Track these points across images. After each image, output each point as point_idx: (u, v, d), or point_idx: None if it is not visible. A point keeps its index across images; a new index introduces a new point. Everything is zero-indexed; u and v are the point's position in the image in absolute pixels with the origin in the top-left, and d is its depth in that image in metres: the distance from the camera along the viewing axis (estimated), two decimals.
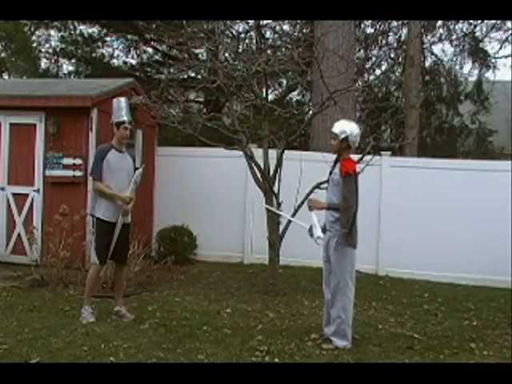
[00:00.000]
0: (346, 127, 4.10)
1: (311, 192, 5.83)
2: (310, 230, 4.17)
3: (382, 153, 7.58)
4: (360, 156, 5.93)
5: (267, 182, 6.04)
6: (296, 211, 5.85)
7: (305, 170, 6.32)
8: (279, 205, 6.00)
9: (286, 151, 6.07)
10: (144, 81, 10.39)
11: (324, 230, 4.20)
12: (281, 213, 5.47)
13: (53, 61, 12.85)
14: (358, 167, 5.07)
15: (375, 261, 7.52)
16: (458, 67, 12.49)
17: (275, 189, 6.04)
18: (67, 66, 12.85)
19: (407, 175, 7.48)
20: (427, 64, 12.47)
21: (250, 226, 7.91)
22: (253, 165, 6.17)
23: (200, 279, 6.72)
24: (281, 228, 6.02)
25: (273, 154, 6.26)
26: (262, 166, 6.16)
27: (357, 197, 4.06)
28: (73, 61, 12.36)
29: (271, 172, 6.10)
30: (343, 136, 4.09)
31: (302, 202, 5.84)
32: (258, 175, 6.18)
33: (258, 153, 6.57)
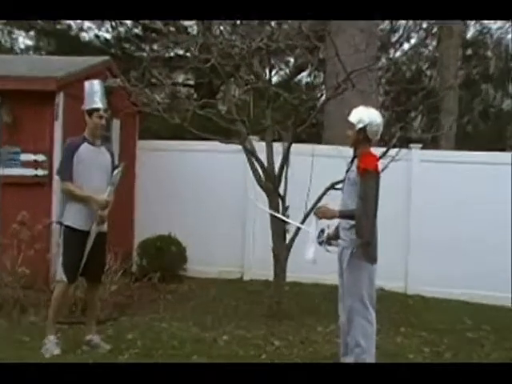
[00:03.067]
0: (365, 115, 4.11)
1: (324, 194, 5.88)
2: (320, 236, 4.21)
3: (412, 145, 7.65)
4: (384, 150, 5.99)
5: (271, 182, 6.10)
6: (306, 217, 5.91)
7: (317, 168, 6.38)
8: (286, 209, 6.06)
9: (293, 144, 6.14)
10: (121, 59, 10.46)
11: (337, 237, 4.25)
12: (287, 220, 5.52)
13: (5, 32, 12.48)
14: (382, 163, 5.12)
15: (403, 276, 7.58)
16: (509, 37, 12.33)
17: (281, 190, 6.11)
18: (24, 40, 12.49)
19: (443, 172, 7.55)
20: (469, 35, 12.44)
21: (252, 235, 7.99)
22: (254, 161, 6.23)
23: (191, 300, 6.79)
24: (288, 237, 6.08)
25: (278, 148, 6.33)
26: (266, 162, 6.22)
27: (376, 200, 4.07)
28: (31, 33, 12.10)
29: (276, 170, 6.17)
30: (360, 126, 4.08)
31: (314, 206, 5.89)
32: (261, 174, 6.24)
33: (260, 147, 6.63)
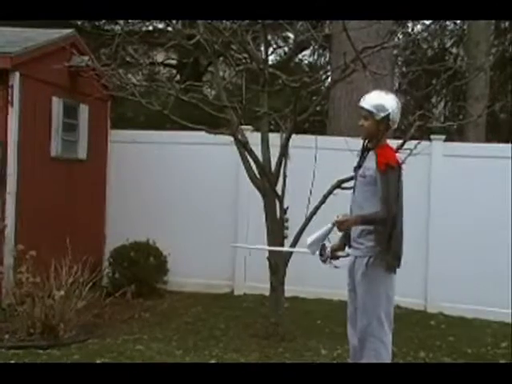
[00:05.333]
0: (385, 101, 4.09)
1: (330, 193, 5.93)
2: (322, 253, 4.22)
3: (433, 136, 7.70)
4: (400, 142, 6.03)
5: (267, 180, 6.14)
6: (308, 221, 5.95)
7: (321, 162, 6.43)
8: (284, 211, 6.11)
9: (293, 136, 6.18)
10: (90, 34, 10.45)
11: (343, 247, 4.28)
12: (254, 247, 5.52)
13: None
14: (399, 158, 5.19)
15: (423, 292, 7.64)
16: None
17: (279, 189, 6.15)
18: None
19: (470, 169, 7.59)
20: None
21: (244, 242, 7.98)
22: (247, 155, 6.27)
23: (172, 318, 6.82)
24: (287, 244, 6.14)
25: (275, 139, 6.37)
26: (261, 156, 6.26)
27: (400, 200, 4.08)
28: None
29: (273, 165, 6.22)
30: (382, 115, 4.06)
31: (317, 208, 5.95)
32: (255, 170, 6.29)
33: (254, 138, 6.68)
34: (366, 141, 4.20)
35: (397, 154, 4.27)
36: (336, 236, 4.25)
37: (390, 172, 3.98)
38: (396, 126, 4.20)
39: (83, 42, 7.72)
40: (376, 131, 4.09)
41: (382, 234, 4.00)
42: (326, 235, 4.12)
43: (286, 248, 5.98)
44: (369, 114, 4.08)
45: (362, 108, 4.13)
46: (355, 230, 4.15)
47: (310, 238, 4.19)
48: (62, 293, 5.66)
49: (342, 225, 4.03)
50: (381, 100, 4.09)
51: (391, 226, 4.00)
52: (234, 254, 8.08)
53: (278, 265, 6.10)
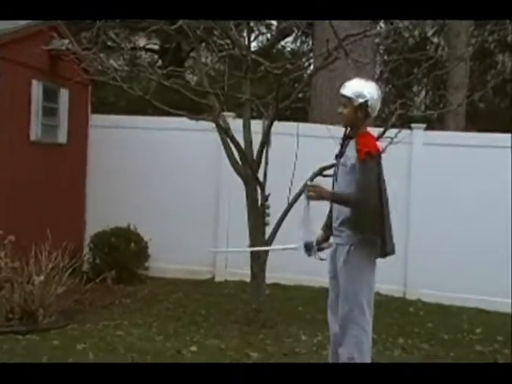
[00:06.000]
0: (364, 88, 4.08)
1: (312, 180, 5.90)
2: (308, 247, 4.21)
3: (414, 125, 7.73)
4: (381, 130, 6.04)
5: (249, 166, 6.13)
6: (290, 207, 5.95)
7: (303, 150, 6.41)
8: (266, 198, 6.10)
9: (276, 123, 6.16)
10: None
11: (329, 236, 4.28)
12: (235, 249, 5.53)
13: None
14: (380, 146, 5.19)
15: (403, 279, 7.69)
16: None
17: (260, 175, 6.14)
18: None
19: (449, 156, 7.62)
20: None
21: (226, 229, 8.04)
22: (229, 141, 6.25)
23: (153, 304, 6.81)
24: (269, 230, 6.14)
25: (257, 126, 6.35)
26: (243, 143, 6.24)
27: (381, 186, 4.06)
28: None
29: (255, 152, 6.20)
30: (361, 101, 4.04)
31: (299, 195, 5.93)
32: (237, 156, 6.26)
33: (236, 125, 6.65)
34: (348, 129, 4.18)
35: (378, 142, 4.26)
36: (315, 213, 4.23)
37: (370, 161, 3.97)
38: (375, 113, 4.18)
39: (63, 25, 7.57)
40: (355, 118, 4.08)
41: (358, 221, 4.00)
42: (307, 216, 4.12)
43: (269, 247, 5.96)
44: (348, 101, 4.07)
45: (342, 95, 4.12)
46: (336, 219, 4.16)
47: (301, 233, 4.21)
48: (42, 278, 5.62)
49: (315, 190, 4.05)
50: (360, 87, 4.08)
51: (373, 215, 4.00)
52: (216, 241, 8.05)
53: (258, 252, 6.09)
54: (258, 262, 6.12)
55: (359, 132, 4.09)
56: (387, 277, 7.02)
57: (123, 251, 7.68)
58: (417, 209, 7.66)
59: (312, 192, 4.06)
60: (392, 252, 4.15)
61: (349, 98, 4.06)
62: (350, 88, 4.09)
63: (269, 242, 6.09)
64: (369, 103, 4.04)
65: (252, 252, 6.10)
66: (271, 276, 6.52)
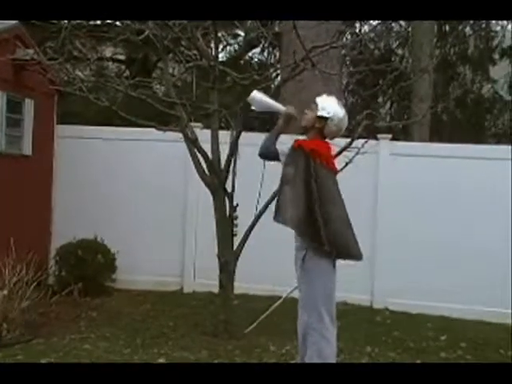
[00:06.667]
0: (333, 108, 4.37)
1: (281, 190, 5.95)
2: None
3: (380, 136, 7.80)
4: (348, 140, 6.08)
5: (217, 177, 6.11)
6: (257, 219, 5.94)
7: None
8: (234, 209, 6.08)
9: (243, 133, 6.16)
10: (36, 26, 10.20)
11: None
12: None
13: None
14: (345, 157, 5.29)
15: (369, 287, 7.73)
16: None
17: (229, 186, 6.13)
18: None
19: (415, 167, 7.72)
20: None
21: (194, 239, 8.02)
22: (196, 152, 6.23)
23: (120, 317, 6.73)
24: (237, 240, 6.12)
25: (225, 137, 6.34)
26: (210, 153, 6.23)
27: (328, 193, 4.23)
28: None
29: (223, 162, 6.18)
30: (323, 114, 4.33)
31: (266, 207, 5.94)
32: (204, 167, 6.24)
33: (204, 135, 6.62)
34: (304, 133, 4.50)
35: (329, 151, 4.44)
36: None
37: (297, 151, 4.29)
38: (331, 136, 4.44)
39: (28, 34, 7.47)
40: (311, 124, 4.40)
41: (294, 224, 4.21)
42: (273, 106, 4.66)
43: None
44: (315, 107, 4.40)
45: (314, 101, 4.44)
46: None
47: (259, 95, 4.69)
48: (5, 292, 5.53)
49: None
50: (331, 104, 4.40)
51: (304, 217, 4.16)
52: (183, 251, 8.05)
53: (227, 262, 6.08)
54: (227, 272, 6.10)
55: (310, 137, 4.43)
56: (354, 286, 7.17)
57: (90, 263, 7.59)
58: (384, 218, 7.71)
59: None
60: (346, 257, 4.27)
61: (316, 105, 4.40)
62: (323, 99, 4.44)
63: (237, 253, 6.09)
64: (328, 121, 4.35)
65: (221, 262, 6.08)
66: (240, 286, 6.49)
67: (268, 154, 4.47)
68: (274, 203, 4.54)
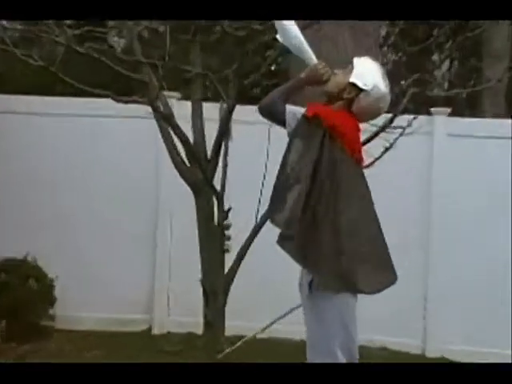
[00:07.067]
0: (370, 72, 4.37)
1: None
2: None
3: (434, 110, 7.87)
4: (389, 117, 6.11)
5: (201, 169, 6.15)
6: (259, 228, 6.00)
7: (277, 144, 6.43)
8: (226, 214, 6.13)
9: (239, 107, 6.19)
10: None
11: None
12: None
13: None
14: (384, 139, 5.34)
15: (420, 327, 7.82)
16: None
17: (217, 182, 6.17)
18: None
19: (483, 152, 7.81)
20: None
21: (167, 258, 8.11)
22: (172, 133, 6.29)
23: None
24: (230, 259, 6.17)
25: (213, 111, 6.41)
26: (191, 135, 6.29)
27: (316, 165, 4.23)
28: None
29: (209, 148, 6.24)
30: (358, 83, 4.33)
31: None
32: (183, 154, 6.32)
33: (182, 109, 6.73)
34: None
35: (335, 118, 4.39)
36: None
37: (302, 124, 4.34)
38: (361, 116, 4.40)
39: None
40: (339, 92, 4.38)
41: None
42: (305, 48, 4.58)
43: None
44: (349, 70, 4.39)
45: (351, 61, 4.42)
46: None
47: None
48: None
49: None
50: (373, 73, 4.39)
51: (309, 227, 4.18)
52: (153, 275, 8.12)
53: (215, 292, 6.12)
54: (215, 305, 6.14)
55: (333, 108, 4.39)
56: (399, 326, 7.27)
57: (18, 293, 7.63)
58: (440, 223, 7.86)
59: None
60: (358, 291, 4.27)
61: (351, 67, 4.39)
62: (362, 62, 4.44)
63: (229, 278, 6.15)
64: (363, 94, 4.32)
65: (206, 291, 6.14)
66: (233, 325, 6.51)
67: (272, 110, 4.42)
68: None
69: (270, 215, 4.44)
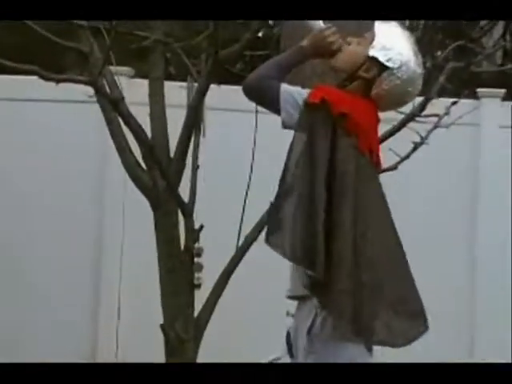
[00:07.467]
0: (397, 44, 4.33)
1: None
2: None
3: (481, 91, 8.04)
4: (420, 101, 6.15)
5: (161, 173, 6.18)
6: (241, 254, 6.03)
7: (266, 138, 6.49)
8: (197, 235, 6.16)
9: (214, 88, 6.25)
10: None
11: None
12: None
13: None
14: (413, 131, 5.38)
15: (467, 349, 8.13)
16: None
17: (184, 191, 6.21)
18: None
19: None
20: None
21: (116, 294, 8.20)
22: (121, 124, 6.32)
23: None
24: (202, 296, 6.24)
25: (178, 93, 6.54)
26: (149, 128, 6.37)
27: (322, 167, 4.23)
28: None
29: (173, 146, 6.33)
30: (381, 58, 4.25)
31: (261, 227, 6.03)
32: (138, 154, 6.37)
33: (136, 90, 6.80)
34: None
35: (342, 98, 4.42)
36: None
37: (309, 111, 4.27)
38: (385, 103, 4.36)
39: None
40: (354, 70, 4.32)
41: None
42: None
43: None
44: (367, 39, 4.33)
45: (371, 30, 4.36)
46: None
47: None
48: None
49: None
50: (401, 44, 4.35)
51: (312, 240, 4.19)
52: (96, 318, 8.24)
53: (182, 340, 6.19)
54: (182, 358, 6.19)
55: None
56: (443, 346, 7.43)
57: None
58: (487, 234, 8.04)
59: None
60: (380, 342, 4.33)
61: (371, 36, 4.31)
62: (386, 29, 4.38)
63: (202, 322, 6.22)
64: (387, 73, 4.23)
65: (170, 340, 6.18)
66: None
67: (261, 88, 4.28)
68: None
69: (267, 236, 4.37)
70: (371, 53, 4.23)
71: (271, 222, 4.30)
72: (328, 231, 4.15)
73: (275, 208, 4.24)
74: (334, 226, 4.19)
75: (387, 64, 4.24)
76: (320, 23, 4.38)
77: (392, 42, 4.32)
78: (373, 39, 4.28)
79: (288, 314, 4.39)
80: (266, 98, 4.29)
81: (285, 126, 4.18)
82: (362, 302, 4.17)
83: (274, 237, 4.19)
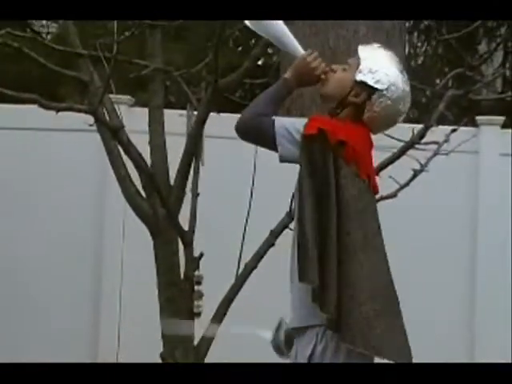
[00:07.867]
0: (382, 66, 4.37)
1: (283, 229, 6.02)
2: (276, 336, 4.38)
3: (480, 119, 7.99)
4: (418, 129, 6.16)
5: (161, 201, 6.18)
6: (241, 282, 6.02)
7: (266, 167, 6.47)
8: (197, 263, 6.15)
9: (213, 115, 6.25)
10: None
11: None
12: None
13: None
14: (412, 158, 5.37)
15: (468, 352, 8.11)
16: None
17: (184, 219, 6.24)
18: None
19: None
20: None
21: (116, 325, 8.19)
22: (121, 152, 6.35)
23: None
24: (201, 326, 6.22)
25: (177, 122, 6.51)
26: (149, 156, 6.37)
27: (319, 198, 4.22)
28: None
29: (173, 173, 6.34)
30: (368, 80, 4.31)
31: (261, 256, 6.01)
32: (137, 182, 6.38)
33: (136, 119, 6.82)
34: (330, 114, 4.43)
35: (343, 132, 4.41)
36: None
37: (310, 145, 4.27)
38: (376, 127, 4.38)
39: None
40: (343, 96, 4.36)
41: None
42: (289, 38, 4.55)
43: None
44: (353, 63, 4.38)
45: (356, 52, 4.40)
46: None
47: None
48: None
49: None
50: (386, 65, 4.38)
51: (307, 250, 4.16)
52: (96, 350, 8.20)
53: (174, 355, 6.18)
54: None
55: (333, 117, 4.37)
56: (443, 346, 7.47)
57: None
58: (487, 266, 8.07)
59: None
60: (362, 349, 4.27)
61: (357, 60, 4.36)
62: (370, 51, 4.43)
63: (202, 351, 6.22)
64: (376, 95, 4.30)
65: (163, 359, 6.17)
66: None
67: (255, 128, 4.30)
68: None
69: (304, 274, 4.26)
70: (359, 77, 4.31)
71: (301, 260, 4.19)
72: (339, 262, 4.18)
73: (304, 246, 4.17)
74: (344, 252, 4.20)
75: (376, 86, 4.30)
76: (301, 51, 4.41)
77: (378, 64, 4.36)
78: (358, 64, 4.34)
79: (281, 323, 4.39)
80: (262, 136, 4.30)
81: (282, 160, 4.23)
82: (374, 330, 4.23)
83: (303, 273, 4.15)
